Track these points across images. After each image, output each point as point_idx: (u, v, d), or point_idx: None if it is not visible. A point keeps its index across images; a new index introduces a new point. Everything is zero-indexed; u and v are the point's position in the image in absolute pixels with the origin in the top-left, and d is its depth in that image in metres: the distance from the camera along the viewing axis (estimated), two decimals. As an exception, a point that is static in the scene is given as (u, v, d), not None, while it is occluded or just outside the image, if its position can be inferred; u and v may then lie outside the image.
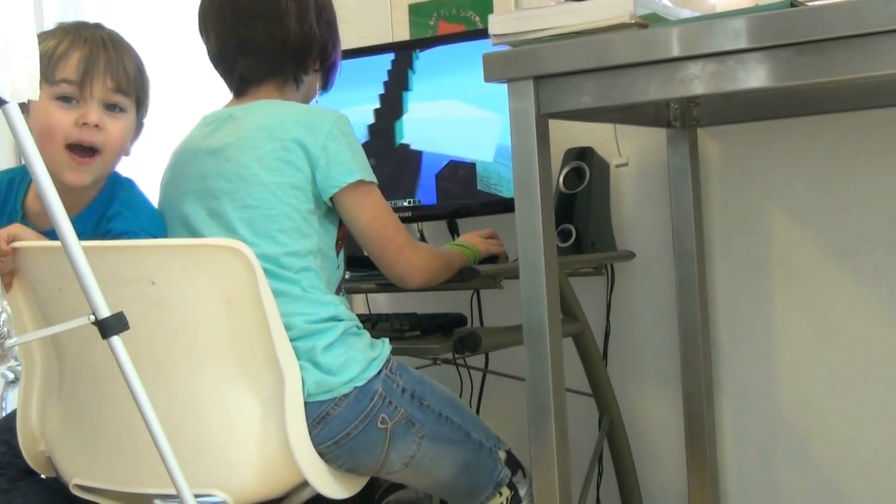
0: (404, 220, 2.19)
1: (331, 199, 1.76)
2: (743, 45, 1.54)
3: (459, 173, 2.27)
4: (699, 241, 2.24)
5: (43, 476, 1.87)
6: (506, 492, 1.80)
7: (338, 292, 1.82)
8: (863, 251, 2.15)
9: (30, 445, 1.84)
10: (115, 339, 1.42)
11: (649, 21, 1.67)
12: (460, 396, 2.26)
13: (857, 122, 2.13)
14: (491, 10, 2.41)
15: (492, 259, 2.06)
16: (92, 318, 1.41)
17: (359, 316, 1.84)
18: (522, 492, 1.80)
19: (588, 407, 2.29)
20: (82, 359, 1.68)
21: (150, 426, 1.44)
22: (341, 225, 1.81)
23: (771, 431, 2.25)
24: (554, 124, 2.16)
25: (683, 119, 2.19)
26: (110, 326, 1.41)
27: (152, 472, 1.51)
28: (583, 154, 2.24)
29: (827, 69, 1.52)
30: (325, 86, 1.98)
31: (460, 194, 2.29)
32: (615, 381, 2.33)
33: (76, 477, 1.76)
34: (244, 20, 1.82)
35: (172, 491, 1.46)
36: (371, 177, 1.78)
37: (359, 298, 2.56)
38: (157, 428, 1.44)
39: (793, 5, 1.55)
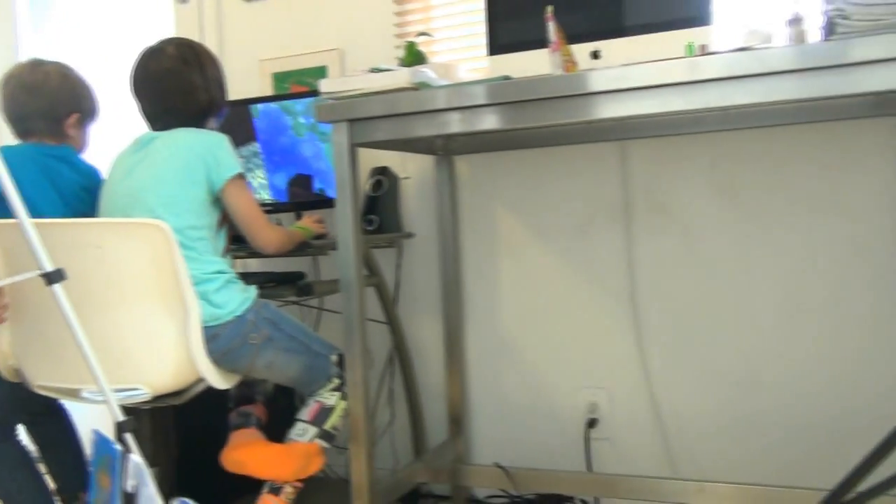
0: (269, 211, 2.26)
1: (219, 190, 1.77)
2: (480, 102, 1.66)
3: (303, 180, 2.29)
4: (454, 226, 2.36)
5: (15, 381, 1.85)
6: (335, 381, 1.86)
7: (223, 255, 1.84)
8: (553, 236, 2.28)
9: (3, 361, 1.85)
10: (57, 287, 1.46)
11: (421, 86, 1.80)
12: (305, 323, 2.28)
13: (550, 153, 2.27)
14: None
15: (321, 236, 2.09)
16: (40, 271, 1.46)
17: (239, 273, 1.87)
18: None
19: (385, 330, 2.40)
20: (38, 299, 1.69)
21: (79, 343, 1.50)
22: (223, 210, 1.82)
23: (499, 345, 2.36)
24: (363, 151, 2.29)
25: (445, 149, 2.31)
26: (53, 277, 1.46)
27: (86, 374, 1.54)
28: (382, 170, 2.32)
29: (528, 119, 1.66)
30: (218, 122, 1.95)
31: (303, 194, 2.30)
32: (402, 314, 2.46)
33: (37, 380, 1.80)
34: (167, 94, 1.83)
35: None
36: (244, 172, 1.81)
37: (239, 261, 2.50)
38: (84, 344, 1.50)
39: (506, 79, 1.70)
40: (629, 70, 1.56)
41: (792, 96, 1.49)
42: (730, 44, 1.92)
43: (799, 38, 1.71)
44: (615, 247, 2.22)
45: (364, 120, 1.78)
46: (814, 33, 1.67)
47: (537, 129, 2.21)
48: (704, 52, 1.79)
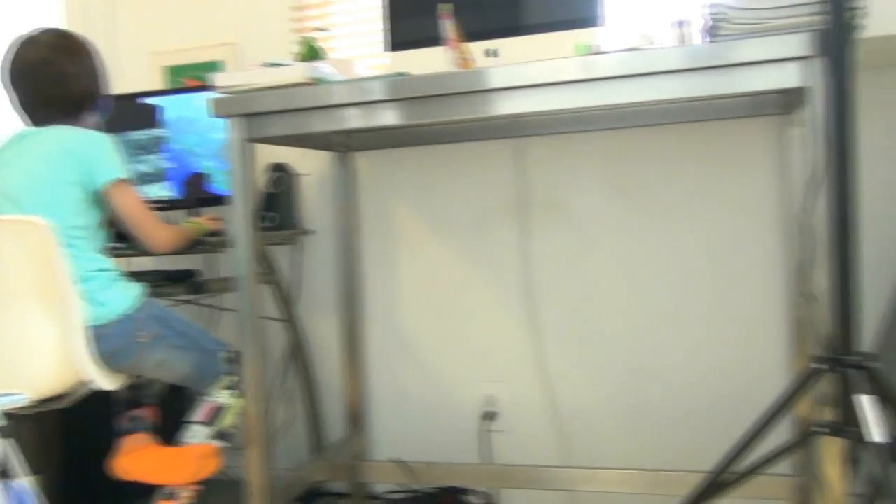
0: (162, 209, 2.18)
1: (98, 192, 1.72)
2: (376, 98, 1.67)
3: (198, 178, 2.25)
4: (354, 223, 2.34)
5: None
6: (228, 379, 1.82)
7: (105, 254, 1.78)
8: (451, 233, 2.28)
9: None
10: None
11: (317, 81, 1.77)
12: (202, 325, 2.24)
13: (448, 150, 2.27)
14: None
15: (217, 233, 2.05)
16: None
17: (129, 272, 1.81)
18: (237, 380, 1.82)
19: (284, 328, 2.37)
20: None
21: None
22: (106, 208, 1.76)
23: (398, 341, 2.35)
24: (261, 148, 2.25)
25: (344, 146, 2.29)
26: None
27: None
28: (280, 167, 2.29)
29: (423, 115, 1.67)
30: (101, 118, 1.89)
31: (198, 192, 2.25)
32: (302, 312, 2.42)
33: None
34: (40, 84, 1.76)
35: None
36: (128, 176, 1.75)
37: (128, 259, 2.33)
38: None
39: (402, 76, 1.70)
40: (524, 68, 1.59)
41: (677, 95, 1.54)
42: (620, 44, 1.97)
43: (684, 40, 1.76)
44: (512, 242, 2.24)
45: (259, 115, 1.77)
46: (698, 36, 1.72)
47: (435, 125, 2.22)
48: (596, 51, 1.83)
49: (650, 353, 2.17)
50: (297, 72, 1.79)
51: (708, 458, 2.13)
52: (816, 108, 1.45)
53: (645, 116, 2.07)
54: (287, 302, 2.32)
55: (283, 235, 2.29)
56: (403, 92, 1.66)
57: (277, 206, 2.27)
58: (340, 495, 2.39)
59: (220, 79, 1.84)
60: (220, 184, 2.24)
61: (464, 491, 2.29)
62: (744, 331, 2.10)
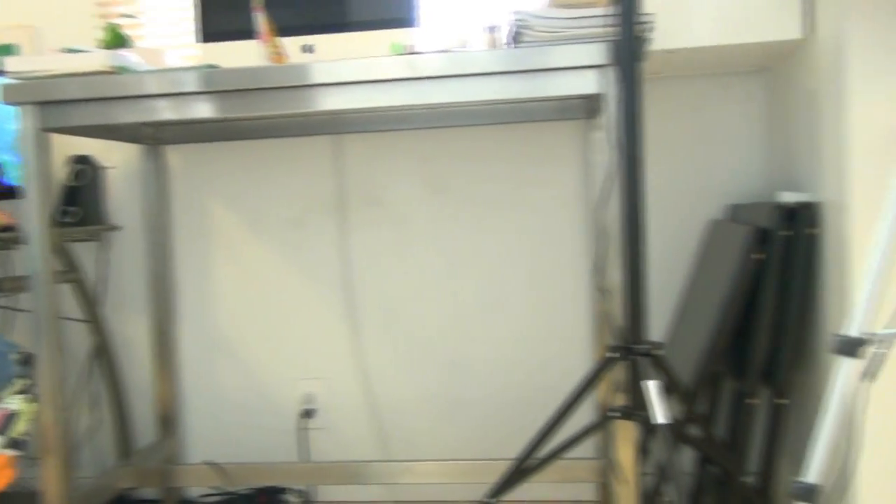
0: None
1: None
2: (184, 90, 1.62)
3: None
4: (165, 219, 2.25)
5: None
6: (21, 383, 1.73)
7: None
8: (269, 229, 2.25)
9: None
10: None
11: (120, 70, 1.70)
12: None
13: (266, 146, 2.23)
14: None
15: (10, 228, 1.94)
16: None
17: None
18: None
19: (88, 329, 2.24)
20: None
21: None
22: None
23: (214, 340, 2.29)
24: (62, 138, 2.11)
25: (154, 138, 2.20)
26: None
27: None
28: (84, 159, 2.17)
29: (234, 109, 1.63)
30: None
31: None
32: (110, 311, 2.30)
33: None
34: None
35: None
36: None
37: None
38: None
39: (212, 67, 1.66)
40: (349, 64, 1.60)
41: (493, 97, 1.60)
42: (434, 45, 2.02)
43: (495, 44, 1.82)
44: (331, 239, 2.23)
45: (57, 103, 1.68)
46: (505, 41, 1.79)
47: (252, 120, 2.17)
48: (410, 51, 1.86)
49: (466, 346, 2.23)
50: (98, 59, 1.71)
51: (521, 447, 2.22)
52: (610, 113, 1.55)
53: (458, 117, 2.13)
54: (91, 301, 2.20)
55: (86, 231, 2.18)
56: (216, 84, 1.62)
57: (80, 200, 2.15)
58: (152, 501, 2.29)
59: (11, 63, 1.74)
60: (16, 177, 2.07)
61: (282, 490, 2.25)
62: (555, 324, 2.20)
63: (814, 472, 0.95)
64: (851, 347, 0.93)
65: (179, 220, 2.30)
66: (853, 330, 0.94)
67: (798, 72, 1.78)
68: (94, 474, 2.34)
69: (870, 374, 0.96)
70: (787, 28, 1.68)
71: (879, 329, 0.97)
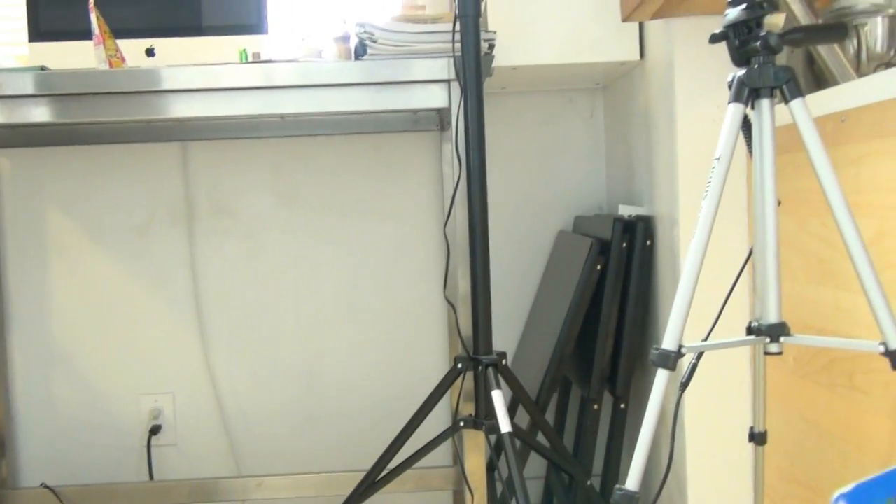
0: None
1: None
2: (20, 92, 1.56)
3: None
4: None
5: None
6: None
7: None
8: (111, 238, 2.15)
9: None
10: None
11: None
12: None
13: (108, 151, 2.14)
14: None
15: None
16: None
17: None
18: None
19: None
20: None
21: None
22: None
23: (50, 356, 2.17)
24: None
25: None
26: None
27: None
28: None
29: (68, 113, 1.58)
30: None
31: None
32: None
33: None
34: None
35: None
36: None
37: None
38: None
39: (43, 69, 1.59)
40: (184, 70, 1.56)
41: (346, 107, 1.60)
42: (284, 53, 1.99)
43: (344, 55, 1.81)
44: (178, 249, 2.16)
45: None
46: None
47: (90, 124, 2.06)
48: (257, 59, 1.83)
49: (320, 356, 2.20)
50: None
51: (377, 457, 2.21)
52: (454, 127, 1.57)
53: (308, 126, 2.11)
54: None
55: None
56: (49, 88, 1.56)
57: None
58: (-21, 531, 2.14)
59: None
60: None
61: (126, 512, 2.15)
62: (409, 333, 2.21)
63: (632, 480, 0.99)
64: (666, 360, 0.98)
65: (10, 227, 2.16)
66: (668, 343, 0.99)
67: (635, 91, 1.87)
68: (-86, 504, 2.16)
69: (684, 384, 1.01)
70: (623, 50, 1.76)
71: (691, 342, 1.03)
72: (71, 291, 2.17)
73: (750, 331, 1.05)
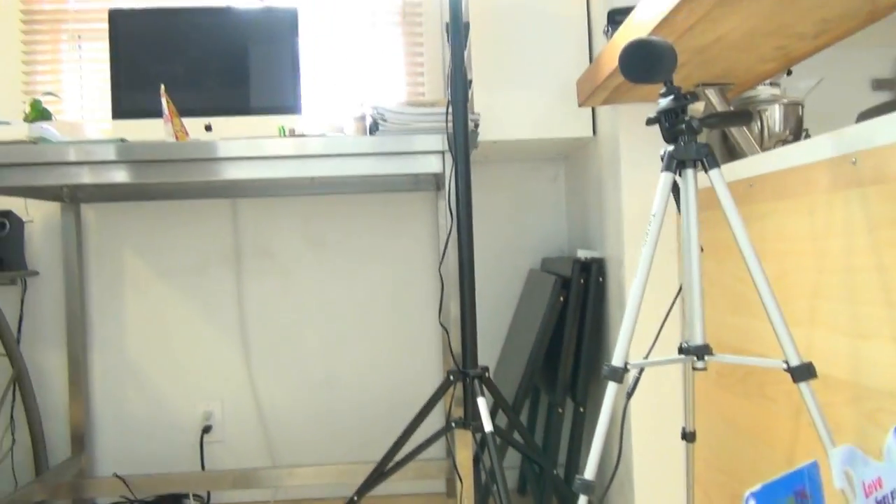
0: None
1: None
2: (97, 159, 1.56)
3: None
4: (80, 265, 2.10)
5: None
6: None
7: None
8: (174, 275, 2.14)
9: None
10: None
11: (39, 141, 1.61)
12: None
13: (173, 205, 2.14)
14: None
15: None
16: None
17: None
18: None
19: (6, 362, 2.06)
20: None
21: None
22: None
23: (124, 370, 2.14)
24: None
25: (72, 197, 2.07)
26: None
27: None
28: (5, 213, 2.00)
29: (142, 176, 1.57)
30: None
31: None
32: (26, 345, 2.10)
33: None
34: None
35: None
36: None
37: None
38: None
39: (122, 141, 1.59)
40: (249, 143, 1.58)
41: (361, 172, 1.61)
42: (315, 129, 2.01)
43: (361, 131, 1.83)
44: (227, 284, 2.15)
45: (-19, 167, 1.54)
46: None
47: (160, 185, 2.07)
48: (293, 134, 1.85)
49: (339, 369, 2.19)
50: (20, 130, 1.64)
51: (383, 450, 2.19)
52: (447, 188, 1.59)
53: (337, 186, 2.13)
54: (7, 337, 2.01)
55: (6, 276, 2.01)
56: (127, 155, 1.56)
57: (2, 248, 1.99)
58: (62, 512, 2.11)
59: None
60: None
61: (181, 496, 2.12)
62: (410, 350, 2.20)
63: (589, 470, 0.99)
64: (615, 374, 0.98)
65: (94, 266, 2.16)
66: (616, 360, 0.99)
67: (589, 160, 1.89)
68: (11, 491, 2.12)
69: (629, 393, 1.01)
70: (580, 128, 1.79)
71: (634, 359, 1.03)
72: (141, 318, 2.16)
73: (681, 350, 1.06)
